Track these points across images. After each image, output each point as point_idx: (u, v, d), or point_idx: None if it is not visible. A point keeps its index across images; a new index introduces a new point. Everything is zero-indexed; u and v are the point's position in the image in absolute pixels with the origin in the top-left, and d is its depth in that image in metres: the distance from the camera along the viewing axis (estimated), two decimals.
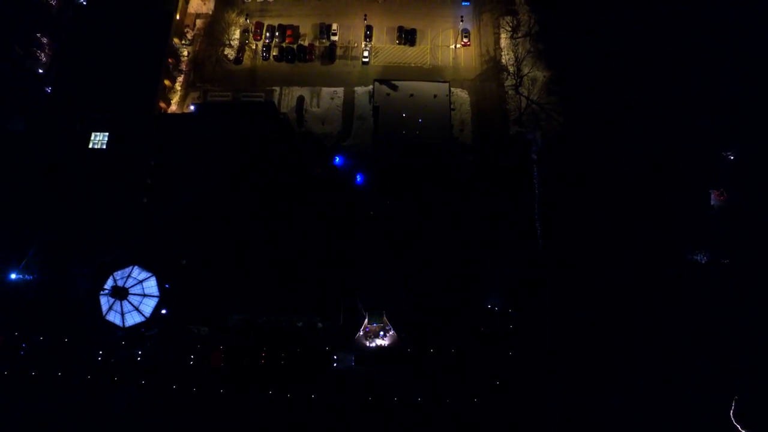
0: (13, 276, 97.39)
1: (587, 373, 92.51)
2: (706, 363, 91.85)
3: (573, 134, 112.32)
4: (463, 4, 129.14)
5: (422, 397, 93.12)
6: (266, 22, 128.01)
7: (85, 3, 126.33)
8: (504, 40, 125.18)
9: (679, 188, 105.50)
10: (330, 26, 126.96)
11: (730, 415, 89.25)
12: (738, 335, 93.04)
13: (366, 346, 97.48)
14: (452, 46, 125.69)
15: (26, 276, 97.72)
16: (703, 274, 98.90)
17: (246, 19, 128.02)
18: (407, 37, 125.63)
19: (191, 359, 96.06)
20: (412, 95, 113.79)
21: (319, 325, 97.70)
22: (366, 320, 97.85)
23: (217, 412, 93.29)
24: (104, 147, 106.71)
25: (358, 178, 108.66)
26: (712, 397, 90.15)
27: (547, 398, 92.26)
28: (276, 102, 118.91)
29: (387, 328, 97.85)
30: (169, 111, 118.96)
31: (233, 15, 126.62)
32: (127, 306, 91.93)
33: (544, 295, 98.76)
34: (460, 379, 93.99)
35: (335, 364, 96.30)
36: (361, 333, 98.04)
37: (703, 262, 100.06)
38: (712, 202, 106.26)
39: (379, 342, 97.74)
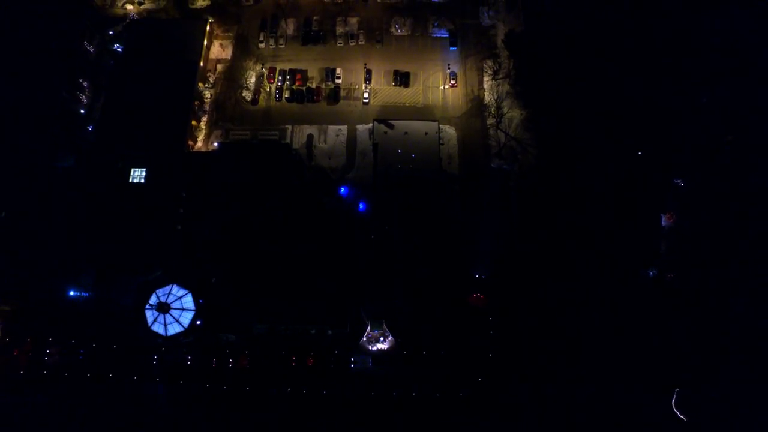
0: (71, 293, 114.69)
1: (550, 372, 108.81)
2: (652, 360, 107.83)
3: (545, 166, 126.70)
4: (450, 49, 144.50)
5: (416, 392, 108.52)
6: (278, 67, 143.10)
7: (120, 50, 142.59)
8: (486, 82, 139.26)
9: (634, 211, 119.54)
10: (335, 70, 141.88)
11: (671, 404, 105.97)
12: (680, 338, 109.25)
13: (368, 349, 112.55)
14: (441, 87, 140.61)
15: (82, 293, 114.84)
16: (652, 287, 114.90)
17: (261, 65, 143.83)
18: (402, 79, 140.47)
19: (223, 362, 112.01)
20: (406, 133, 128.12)
21: (329, 332, 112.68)
22: (368, 328, 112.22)
23: (245, 407, 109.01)
24: (143, 181, 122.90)
25: (361, 206, 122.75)
26: (656, 389, 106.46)
27: (521, 391, 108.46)
28: (288, 139, 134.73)
29: (386, 334, 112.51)
30: (196, 148, 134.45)
31: (250, 61, 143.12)
32: (169, 318, 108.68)
33: (518, 301, 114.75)
34: (448, 377, 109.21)
35: (352, 366, 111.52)
36: (365, 339, 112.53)
37: (652, 276, 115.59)
38: (663, 224, 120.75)
39: (379, 346, 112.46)
